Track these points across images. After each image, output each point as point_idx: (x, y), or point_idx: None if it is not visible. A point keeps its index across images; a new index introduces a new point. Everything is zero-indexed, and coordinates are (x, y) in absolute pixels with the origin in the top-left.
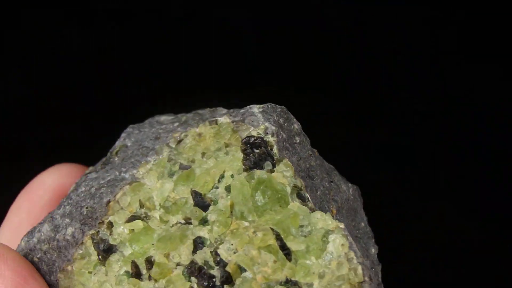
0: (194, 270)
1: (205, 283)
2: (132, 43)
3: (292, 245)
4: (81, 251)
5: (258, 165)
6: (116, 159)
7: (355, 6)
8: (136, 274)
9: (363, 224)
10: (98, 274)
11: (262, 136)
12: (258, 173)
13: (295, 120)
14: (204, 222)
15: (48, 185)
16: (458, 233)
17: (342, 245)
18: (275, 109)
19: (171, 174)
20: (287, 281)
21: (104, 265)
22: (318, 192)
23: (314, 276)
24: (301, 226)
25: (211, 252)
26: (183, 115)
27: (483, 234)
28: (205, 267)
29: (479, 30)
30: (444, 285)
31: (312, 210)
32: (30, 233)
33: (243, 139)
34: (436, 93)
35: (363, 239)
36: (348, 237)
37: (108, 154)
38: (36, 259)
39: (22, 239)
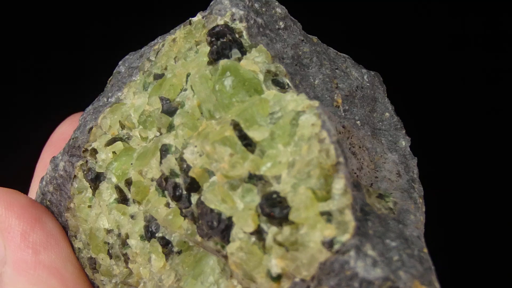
0: (161, 182)
1: (172, 194)
2: None
3: (254, 134)
4: (76, 185)
5: (223, 54)
6: (108, 86)
7: None
8: (122, 199)
9: (387, 114)
10: (94, 206)
11: (229, 24)
12: (221, 62)
13: (277, 3)
14: (170, 128)
15: (67, 135)
16: None
17: (312, 125)
18: None
19: (146, 87)
20: (251, 177)
21: (95, 196)
22: (316, 81)
23: (282, 166)
24: (272, 114)
25: (176, 159)
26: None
27: None
28: (171, 177)
29: None
30: None
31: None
32: (42, 177)
33: (208, 31)
34: None
35: (389, 131)
36: (321, 115)
37: (108, 82)
38: (48, 202)
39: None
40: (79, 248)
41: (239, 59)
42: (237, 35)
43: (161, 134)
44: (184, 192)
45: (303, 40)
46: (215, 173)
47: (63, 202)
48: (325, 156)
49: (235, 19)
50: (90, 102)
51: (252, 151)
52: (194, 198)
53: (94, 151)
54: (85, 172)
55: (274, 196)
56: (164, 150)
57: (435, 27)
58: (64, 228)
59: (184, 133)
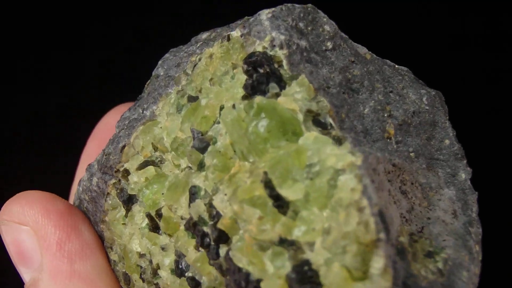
0: (189, 227)
1: (200, 242)
2: None
3: (287, 193)
4: (110, 202)
5: (259, 90)
6: (145, 93)
7: None
8: (154, 227)
9: (447, 142)
10: (128, 226)
11: (267, 51)
12: (257, 100)
13: (326, 20)
14: (200, 167)
15: (111, 126)
16: None
17: (352, 189)
18: (291, 11)
19: (179, 110)
20: (282, 241)
21: (127, 217)
22: (366, 109)
23: (316, 232)
24: (310, 166)
25: (205, 205)
26: (215, 31)
27: None
28: (200, 223)
29: None
30: None
31: (337, 139)
32: (80, 181)
33: (244, 58)
34: None
35: (448, 161)
36: (364, 178)
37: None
38: (85, 209)
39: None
40: (114, 261)
41: (277, 95)
42: (276, 65)
43: (191, 168)
44: (212, 243)
45: (353, 61)
46: (243, 233)
47: (98, 214)
48: (364, 229)
49: (274, 46)
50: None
51: (285, 212)
52: (223, 250)
53: (126, 173)
54: (118, 191)
55: (306, 268)
56: (193, 193)
57: (435, 27)
58: (101, 237)
59: (215, 176)
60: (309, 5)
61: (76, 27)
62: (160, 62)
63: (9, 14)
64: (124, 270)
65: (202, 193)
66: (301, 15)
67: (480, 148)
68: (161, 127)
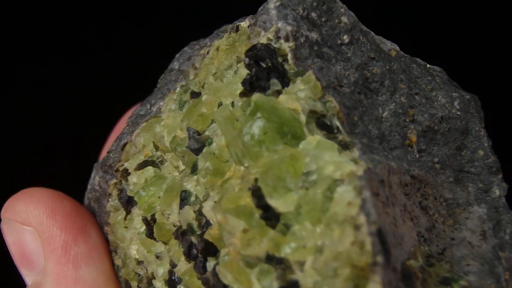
0: (178, 236)
1: (187, 253)
2: None
3: (277, 204)
4: (112, 203)
5: (258, 86)
6: (157, 87)
7: None
8: (150, 233)
9: (481, 153)
10: (128, 230)
11: (272, 43)
12: (254, 98)
13: (344, 10)
14: (193, 169)
15: None
16: None
17: (349, 203)
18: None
19: (181, 106)
20: (270, 258)
21: (127, 220)
22: (385, 113)
23: (307, 251)
24: (307, 174)
25: (194, 212)
26: (229, 26)
27: None
28: (188, 232)
29: None
30: None
31: (344, 145)
32: (90, 179)
33: (247, 50)
34: None
35: (480, 175)
36: (364, 191)
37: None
38: (93, 209)
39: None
40: (118, 266)
41: (279, 93)
42: (280, 59)
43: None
44: (200, 256)
45: (373, 58)
46: (228, 247)
47: (103, 215)
48: (359, 250)
49: (279, 37)
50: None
51: (274, 225)
52: (210, 264)
53: (126, 172)
54: (118, 192)
55: None
56: (183, 199)
57: (480, 26)
58: (106, 240)
59: (206, 181)
60: None
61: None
62: (177, 55)
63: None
64: (125, 278)
65: (193, 199)
66: (314, 4)
67: None
68: (163, 125)
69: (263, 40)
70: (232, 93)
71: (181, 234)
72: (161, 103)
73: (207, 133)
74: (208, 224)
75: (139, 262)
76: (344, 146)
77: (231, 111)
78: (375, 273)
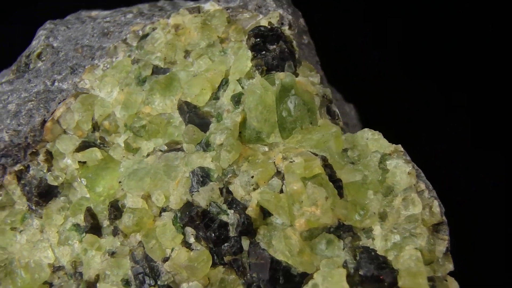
0: (195, 217)
1: (213, 235)
2: None
3: (344, 175)
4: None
5: (277, 66)
6: (39, 64)
7: None
8: (93, 227)
9: None
10: (28, 230)
11: (278, 27)
12: (281, 76)
13: (300, 14)
14: (206, 146)
15: None
16: None
17: (409, 173)
18: None
19: (140, 81)
20: (339, 226)
21: (40, 217)
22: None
23: (374, 218)
24: (344, 150)
25: (220, 189)
26: (130, 8)
27: None
28: (212, 212)
29: None
30: None
31: (343, 131)
32: None
33: (251, 30)
34: None
35: None
36: (413, 164)
37: (21, 58)
38: None
39: None
40: None
41: (295, 75)
42: (289, 44)
43: (172, 150)
44: (234, 234)
45: (318, 61)
46: (297, 218)
47: None
48: (429, 212)
49: (283, 23)
50: None
51: (341, 195)
52: (245, 243)
53: (50, 155)
54: (22, 182)
55: (372, 254)
56: (203, 175)
57: None
58: None
59: (230, 157)
60: None
61: None
62: (42, 32)
63: None
64: None
65: (215, 175)
66: (289, 2)
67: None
68: (108, 101)
69: (264, 23)
70: (240, 70)
71: (202, 213)
72: (76, 79)
73: (207, 108)
74: (236, 202)
75: (57, 268)
76: (344, 132)
77: (264, 86)
78: (441, 231)
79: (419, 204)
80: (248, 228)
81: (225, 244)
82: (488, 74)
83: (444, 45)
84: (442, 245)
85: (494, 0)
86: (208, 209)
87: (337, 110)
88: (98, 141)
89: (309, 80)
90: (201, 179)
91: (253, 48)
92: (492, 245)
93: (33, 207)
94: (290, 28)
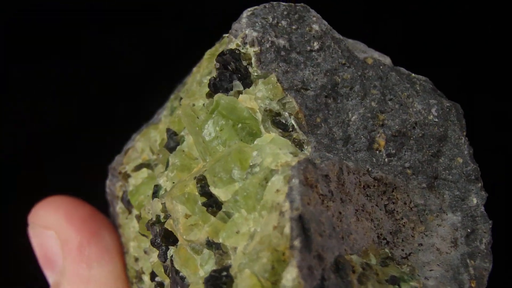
0: (149, 226)
1: (154, 242)
2: None
3: (218, 192)
4: (120, 204)
5: (220, 87)
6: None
7: None
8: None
9: (460, 160)
10: (130, 229)
11: (239, 48)
12: (216, 97)
13: (315, 19)
14: (167, 166)
15: None
16: None
17: (277, 191)
18: (274, 8)
19: (172, 112)
20: (210, 244)
21: (127, 219)
22: (354, 116)
23: (240, 236)
24: (252, 166)
25: (162, 204)
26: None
27: None
28: (156, 223)
29: None
30: None
31: (299, 143)
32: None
33: (216, 56)
34: None
35: (457, 183)
36: (293, 179)
37: None
38: (111, 212)
39: None
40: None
41: (240, 93)
42: (244, 63)
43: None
44: (163, 245)
45: (344, 63)
46: (176, 233)
47: (115, 217)
48: (279, 235)
49: (246, 43)
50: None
51: (215, 213)
52: (170, 252)
53: (127, 175)
54: (122, 194)
55: (224, 273)
56: (154, 192)
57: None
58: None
59: (174, 176)
60: (301, 3)
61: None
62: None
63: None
64: (129, 275)
65: (162, 192)
66: (285, 13)
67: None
68: (157, 131)
69: (232, 46)
70: (202, 95)
71: (151, 225)
72: (164, 112)
73: (182, 133)
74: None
75: (136, 260)
76: (299, 144)
77: (193, 109)
78: (293, 257)
79: (270, 224)
80: (166, 238)
81: (159, 252)
82: (488, 74)
83: (444, 46)
84: (290, 274)
85: (494, 0)
86: (154, 221)
87: (291, 121)
88: (155, 162)
89: (255, 95)
90: (154, 195)
91: (217, 71)
92: (492, 245)
93: (127, 212)
94: (253, 45)
